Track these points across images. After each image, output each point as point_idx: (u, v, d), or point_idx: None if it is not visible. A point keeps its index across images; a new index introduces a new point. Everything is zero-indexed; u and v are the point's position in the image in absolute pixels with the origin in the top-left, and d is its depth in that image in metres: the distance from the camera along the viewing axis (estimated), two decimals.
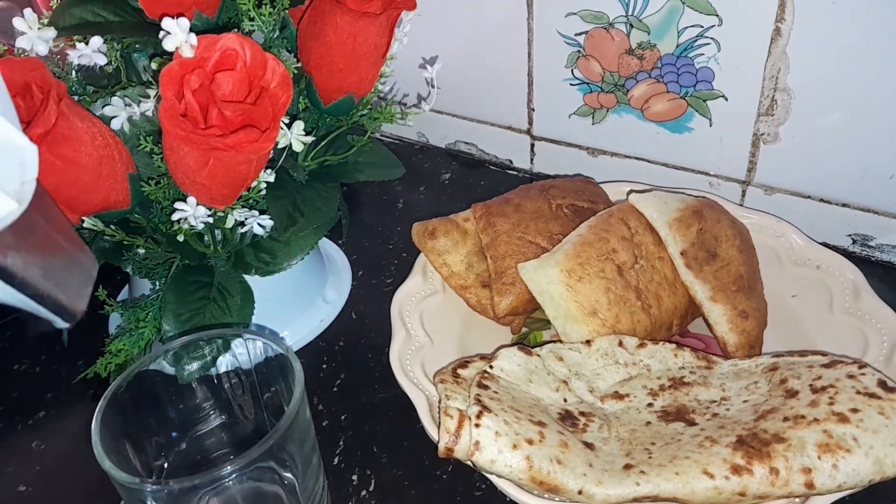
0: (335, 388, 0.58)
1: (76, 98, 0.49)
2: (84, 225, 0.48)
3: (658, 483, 0.42)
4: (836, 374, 0.47)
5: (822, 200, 0.65)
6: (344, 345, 0.62)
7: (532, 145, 0.78)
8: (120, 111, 0.46)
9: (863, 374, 0.46)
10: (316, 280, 0.65)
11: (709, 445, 0.44)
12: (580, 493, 0.43)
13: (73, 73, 0.50)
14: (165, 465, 0.43)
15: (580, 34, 0.67)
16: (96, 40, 0.44)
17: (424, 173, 0.82)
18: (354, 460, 0.52)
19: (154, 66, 0.46)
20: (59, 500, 0.52)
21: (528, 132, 0.77)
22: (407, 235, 0.65)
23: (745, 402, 0.48)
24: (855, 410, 0.43)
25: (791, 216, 0.64)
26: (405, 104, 0.69)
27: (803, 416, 0.44)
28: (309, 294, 0.64)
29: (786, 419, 0.44)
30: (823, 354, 0.50)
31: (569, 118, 0.73)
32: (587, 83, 0.70)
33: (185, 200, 0.46)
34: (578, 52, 0.69)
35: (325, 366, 0.60)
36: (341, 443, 0.53)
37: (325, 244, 0.71)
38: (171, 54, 0.40)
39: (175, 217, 0.47)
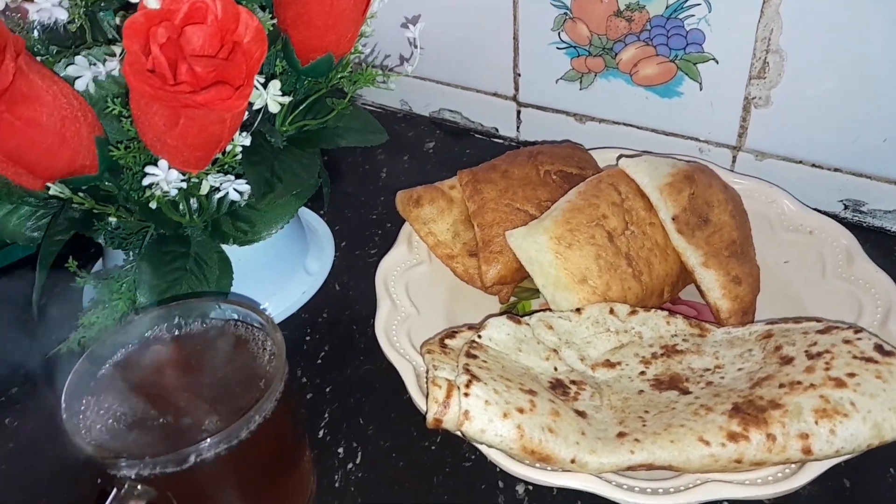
0: (319, 361, 0.56)
1: (39, 59, 0.46)
2: (50, 192, 0.46)
3: (653, 451, 0.41)
4: (831, 340, 0.46)
5: (813, 165, 0.63)
6: (328, 316, 0.60)
7: (518, 112, 0.76)
8: (84, 71, 0.43)
9: (859, 338, 0.45)
10: (297, 251, 0.63)
11: (704, 413, 0.43)
12: (573, 461, 0.41)
13: (35, 32, 0.47)
14: (141, 438, 0.41)
15: None
16: None
17: (408, 142, 0.79)
18: (340, 433, 0.51)
19: (118, 20, 0.43)
20: (34, 478, 0.50)
21: (514, 98, 0.75)
22: (390, 205, 0.63)
23: (739, 369, 0.47)
24: (852, 375, 0.42)
25: (782, 182, 0.63)
26: (387, 67, 0.67)
27: (799, 382, 0.43)
28: (290, 265, 0.62)
29: (781, 385, 0.43)
30: (818, 321, 0.49)
31: (556, 83, 0.71)
32: (574, 47, 0.68)
33: (156, 164, 0.44)
34: (565, 14, 0.67)
35: (308, 338, 0.58)
36: (326, 415, 0.52)
37: (307, 214, 0.68)
38: (135, 6, 0.37)
39: (146, 182, 0.44)
